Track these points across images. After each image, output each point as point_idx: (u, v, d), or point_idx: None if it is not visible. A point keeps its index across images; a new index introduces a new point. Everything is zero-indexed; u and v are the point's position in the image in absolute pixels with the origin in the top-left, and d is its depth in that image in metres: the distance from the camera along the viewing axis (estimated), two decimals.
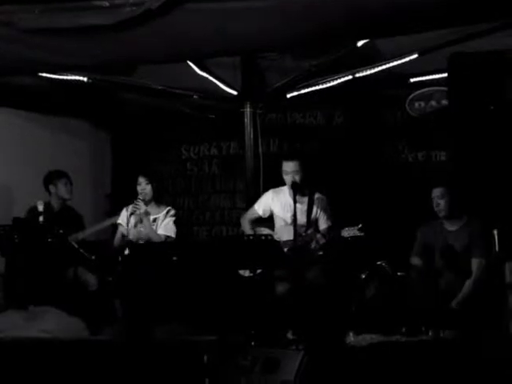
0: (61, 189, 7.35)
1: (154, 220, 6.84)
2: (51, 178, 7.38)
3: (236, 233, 8.49)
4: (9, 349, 3.36)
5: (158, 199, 7.00)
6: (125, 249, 6.78)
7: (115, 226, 7.06)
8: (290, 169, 6.62)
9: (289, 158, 6.71)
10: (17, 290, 5.76)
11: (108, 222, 7.13)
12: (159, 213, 6.90)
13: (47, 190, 7.40)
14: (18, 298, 3.79)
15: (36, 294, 5.09)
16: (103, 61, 5.36)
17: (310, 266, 6.50)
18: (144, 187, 6.85)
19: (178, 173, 9.43)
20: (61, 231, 6.62)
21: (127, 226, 6.85)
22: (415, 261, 6.43)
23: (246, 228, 6.90)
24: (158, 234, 6.77)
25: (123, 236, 6.87)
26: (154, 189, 6.89)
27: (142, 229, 6.81)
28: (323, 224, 6.71)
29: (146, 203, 6.84)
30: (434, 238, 6.41)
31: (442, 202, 6.28)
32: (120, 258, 6.81)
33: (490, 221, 6.34)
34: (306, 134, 8.79)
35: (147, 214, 6.83)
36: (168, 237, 6.76)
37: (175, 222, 6.84)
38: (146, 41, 4.81)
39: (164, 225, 6.81)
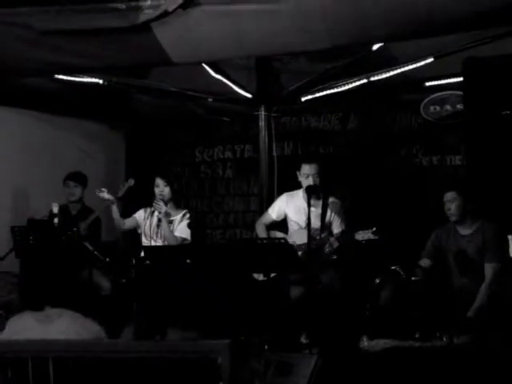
0: (65, 191, 7.42)
1: (171, 222, 6.85)
2: (63, 182, 7.45)
3: (250, 236, 8.50)
4: (23, 351, 3.36)
5: (177, 201, 7.01)
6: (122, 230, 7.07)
7: (128, 235, 7.10)
8: (310, 171, 6.60)
9: (310, 161, 6.69)
10: (32, 291, 5.78)
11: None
12: (176, 215, 6.91)
13: None
14: (33, 299, 3.80)
15: (50, 296, 5.10)
16: (119, 63, 5.37)
17: (324, 269, 6.50)
18: (162, 189, 6.86)
19: (191, 175, 9.44)
20: (74, 229, 6.64)
21: (142, 225, 6.94)
22: (424, 262, 6.39)
23: (261, 233, 6.90)
24: (175, 236, 6.78)
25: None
26: (172, 191, 6.91)
27: (157, 228, 6.85)
28: (337, 228, 6.71)
29: (165, 204, 6.84)
30: (447, 241, 6.37)
31: (452, 207, 6.24)
32: (134, 261, 6.82)
33: (505, 225, 6.31)
34: (320, 137, 8.79)
35: (167, 215, 6.84)
36: (184, 239, 6.77)
37: (189, 225, 6.84)
38: (162, 43, 4.81)
39: (180, 227, 6.81)
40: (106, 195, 6.94)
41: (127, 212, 7.24)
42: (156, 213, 6.88)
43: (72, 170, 7.50)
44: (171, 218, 6.87)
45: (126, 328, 5.49)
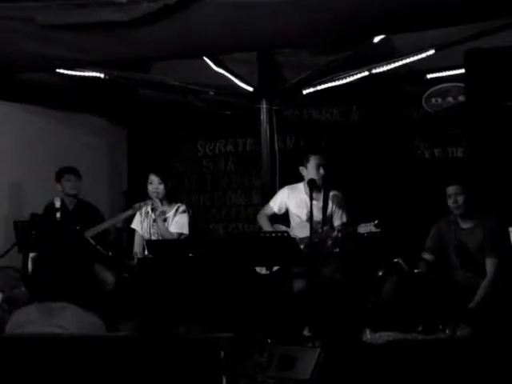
0: (65, 185, 7.32)
1: (165, 220, 6.75)
2: (57, 176, 7.37)
3: (252, 229, 8.50)
4: (26, 345, 3.37)
5: (171, 198, 6.88)
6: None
7: (132, 231, 7.01)
8: (322, 161, 6.67)
9: (318, 152, 6.84)
10: (36, 286, 5.80)
11: (122, 216, 7.12)
12: (170, 211, 6.80)
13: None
14: (37, 294, 3.83)
15: (54, 291, 5.11)
16: (120, 57, 5.36)
17: (327, 262, 6.50)
18: (156, 186, 6.73)
19: (193, 169, 9.43)
20: (78, 227, 6.63)
21: (142, 230, 6.85)
22: (426, 256, 6.38)
23: (264, 224, 6.89)
24: (171, 233, 6.69)
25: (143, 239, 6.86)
26: (167, 188, 6.79)
27: (153, 229, 6.75)
28: (337, 220, 6.73)
29: (160, 202, 6.76)
30: (447, 234, 6.37)
31: (460, 199, 6.21)
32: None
33: (506, 218, 6.30)
34: (322, 130, 8.78)
35: (163, 213, 6.75)
36: (181, 234, 6.71)
37: (191, 218, 6.79)
38: (163, 37, 4.80)
39: (175, 222, 6.73)
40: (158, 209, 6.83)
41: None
42: (151, 213, 6.79)
43: (72, 165, 7.46)
44: (165, 216, 6.80)
45: (124, 324, 5.50)
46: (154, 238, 6.76)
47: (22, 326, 3.71)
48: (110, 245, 7.20)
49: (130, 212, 6.97)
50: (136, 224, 6.91)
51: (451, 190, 6.26)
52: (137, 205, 6.88)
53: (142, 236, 6.85)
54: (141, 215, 6.89)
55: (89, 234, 6.87)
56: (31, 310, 3.80)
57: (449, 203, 6.28)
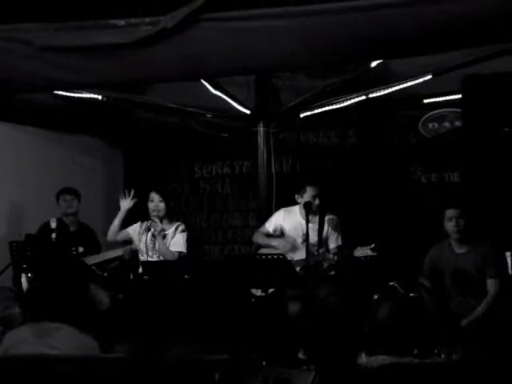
0: (61, 205, 7.37)
1: (164, 236, 6.77)
2: (56, 198, 7.42)
3: (248, 251, 8.49)
4: (19, 366, 3.35)
5: (171, 216, 6.94)
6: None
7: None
8: (317, 192, 6.67)
9: (314, 182, 6.80)
10: (31, 306, 5.78)
11: (118, 253, 7.12)
12: (169, 229, 6.82)
13: None
14: (32, 314, 3.81)
15: (48, 311, 5.10)
16: (118, 79, 5.37)
17: (322, 285, 6.50)
18: (157, 204, 6.78)
19: (190, 191, 9.44)
20: (73, 249, 6.63)
21: (137, 240, 6.88)
22: (424, 282, 6.37)
23: (262, 240, 6.89)
24: (172, 252, 6.70)
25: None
26: (167, 206, 6.83)
27: (151, 244, 6.77)
28: (332, 243, 6.74)
29: (160, 220, 6.81)
30: (441, 262, 6.33)
31: (461, 222, 6.16)
32: (132, 276, 6.80)
33: (502, 243, 6.31)
34: (318, 153, 8.80)
35: (163, 230, 6.76)
36: (180, 252, 6.71)
37: (187, 240, 6.81)
38: (161, 59, 4.82)
39: (174, 241, 6.75)
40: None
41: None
42: (151, 229, 6.81)
43: (69, 186, 7.48)
44: (164, 233, 6.81)
45: (119, 345, 5.48)
46: (151, 253, 6.78)
47: (15, 347, 3.68)
48: (112, 269, 7.22)
49: (119, 253, 7.03)
50: (133, 229, 6.96)
51: (452, 212, 6.19)
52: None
53: (131, 238, 6.94)
54: (141, 227, 6.92)
55: (89, 260, 6.88)
56: (25, 331, 3.78)
57: (448, 226, 6.21)
